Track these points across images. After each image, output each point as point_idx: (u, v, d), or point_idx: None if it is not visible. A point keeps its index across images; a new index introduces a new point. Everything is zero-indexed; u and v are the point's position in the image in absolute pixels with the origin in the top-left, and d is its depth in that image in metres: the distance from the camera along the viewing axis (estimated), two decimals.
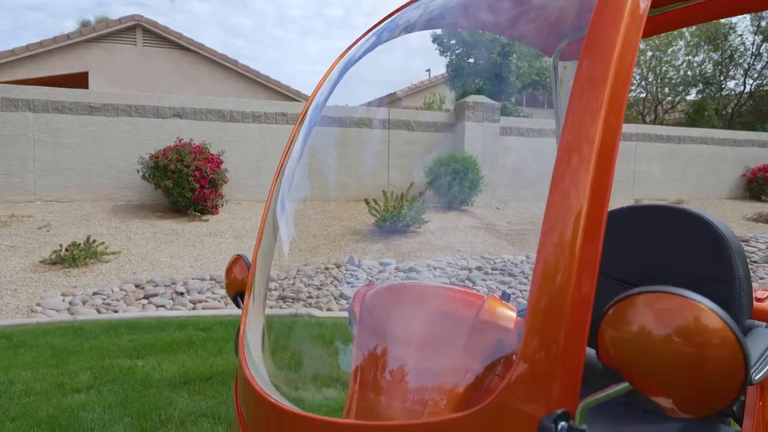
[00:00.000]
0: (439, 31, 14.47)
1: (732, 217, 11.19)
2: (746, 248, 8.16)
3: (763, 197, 13.15)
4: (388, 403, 0.85)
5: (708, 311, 0.62)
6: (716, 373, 0.61)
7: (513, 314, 0.87)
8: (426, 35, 14.71)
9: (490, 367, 0.83)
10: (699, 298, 0.63)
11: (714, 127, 17.67)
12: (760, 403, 1.33)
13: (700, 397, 0.62)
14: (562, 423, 0.61)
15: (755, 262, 7.46)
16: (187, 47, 14.71)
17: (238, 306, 1.18)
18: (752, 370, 1.15)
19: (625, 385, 0.66)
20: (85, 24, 20.63)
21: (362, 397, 0.87)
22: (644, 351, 0.63)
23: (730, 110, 20.01)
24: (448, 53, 14.85)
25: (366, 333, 0.96)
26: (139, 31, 14.39)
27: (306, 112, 1.38)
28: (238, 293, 1.21)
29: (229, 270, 1.25)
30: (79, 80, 13.88)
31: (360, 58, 1.39)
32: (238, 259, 1.25)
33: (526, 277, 6.49)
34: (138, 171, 8.42)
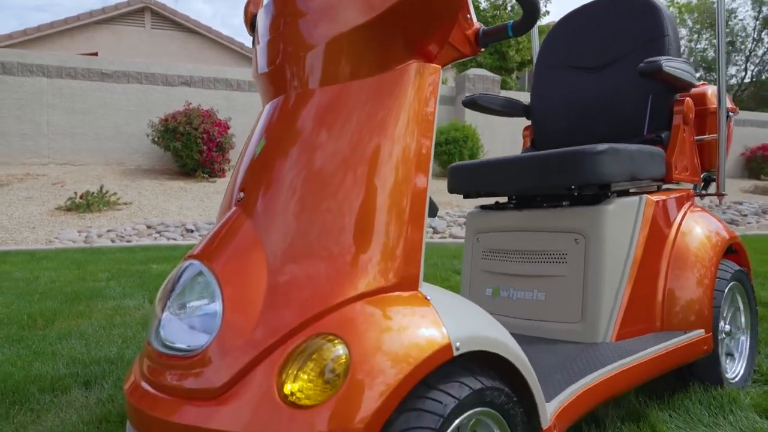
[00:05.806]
0: None
1: (729, 189, 11.41)
2: (738, 207, 8.51)
3: (762, 176, 13.28)
4: None
5: None
6: None
7: None
8: None
9: None
10: None
11: None
12: (683, 134, 1.57)
13: None
14: None
15: (744, 215, 8.17)
16: (195, 30, 15.00)
17: (252, 32, 1.40)
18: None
19: None
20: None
21: None
22: None
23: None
24: None
25: None
26: (148, 13, 14.71)
27: None
28: (253, 18, 1.43)
29: (247, 5, 1.47)
30: None
31: None
32: None
33: None
34: (148, 135, 8.68)
